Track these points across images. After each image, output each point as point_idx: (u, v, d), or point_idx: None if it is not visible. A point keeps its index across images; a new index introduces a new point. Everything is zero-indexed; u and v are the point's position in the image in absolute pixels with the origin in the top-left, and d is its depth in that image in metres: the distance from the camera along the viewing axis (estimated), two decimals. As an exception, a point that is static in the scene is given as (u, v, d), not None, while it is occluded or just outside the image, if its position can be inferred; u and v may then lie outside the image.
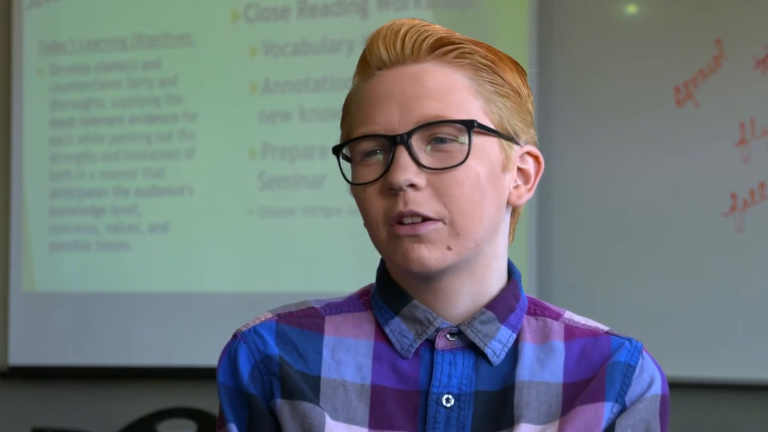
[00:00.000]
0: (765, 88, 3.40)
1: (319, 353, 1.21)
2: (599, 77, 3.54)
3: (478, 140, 1.16)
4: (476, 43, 1.20)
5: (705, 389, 3.42)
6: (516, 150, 1.20)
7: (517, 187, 1.21)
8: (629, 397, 1.20)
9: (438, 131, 1.15)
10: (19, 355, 3.99)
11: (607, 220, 3.53)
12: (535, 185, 1.23)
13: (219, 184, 3.86)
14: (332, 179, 3.71)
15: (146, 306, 3.89)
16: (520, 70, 1.22)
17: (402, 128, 1.15)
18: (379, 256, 1.23)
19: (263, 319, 1.24)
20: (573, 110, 3.54)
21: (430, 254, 1.15)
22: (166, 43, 3.92)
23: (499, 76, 1.19)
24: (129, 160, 3.95)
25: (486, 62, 1.18)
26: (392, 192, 1.15)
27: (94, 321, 3.93)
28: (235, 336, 1.24)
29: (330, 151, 1.23)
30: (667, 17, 3.53)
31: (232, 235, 3.83)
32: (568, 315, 1.26)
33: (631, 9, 3.60)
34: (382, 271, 1.25)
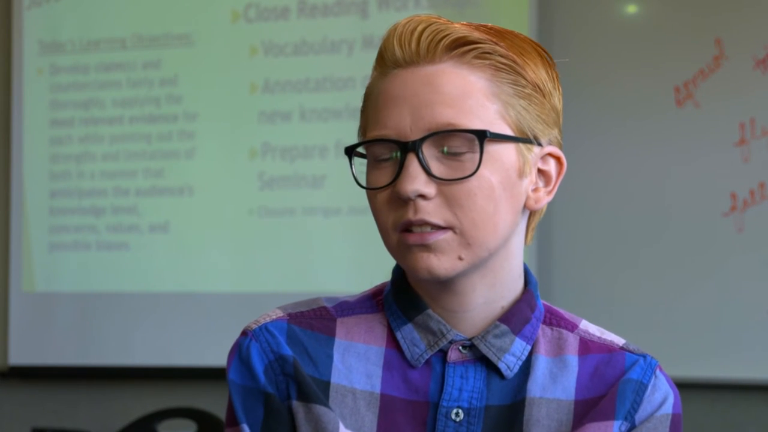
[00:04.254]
0: (765, 88, 3.40)
1: (330, 357, 1.19)
2: (599, 77, 3.54)
3: (492, 148, 1.12)
4: (498, 39, 1.15)
5: (705, 389, 3.41)
6: (536, 152, 1.16)
7: (536, 190, 1.17)
8: (639, 416, 1.18)
9: (449, 139, 1.12)
10: (19, 355, 3.99)
11: (607, 220, 3.52)
12: (557, 187, 1.19)
13: (219, 184, 3.86)
14: (332, 179, 3.71)
15: (146, 306, 3.88)
16: (546, 62, 1.18)
17: (413, 134, 1.12)
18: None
19: (274, 317, 1.21)
20: (572, 110, 3.52)
21: (439, 263, 1.12)
22: (166, 43, 3.92)
23: (521, 76, 1.14)
24: (129, 160, 3.95)
25: (506, 62, 1.14)
26: (402, 201, 1.12)
27: (94, 321, 3.93)
28: (245, 333, 1.20)
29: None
30: (667, 17, 3.53)
31: (232, 235, 3.83)
32: (584, 326, 1.23)
33: (631, 9, 3.60)
34: (398, 272, 1.22)
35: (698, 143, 3.45)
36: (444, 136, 1.12)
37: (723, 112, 3.43)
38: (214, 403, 3.59)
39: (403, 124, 1.13)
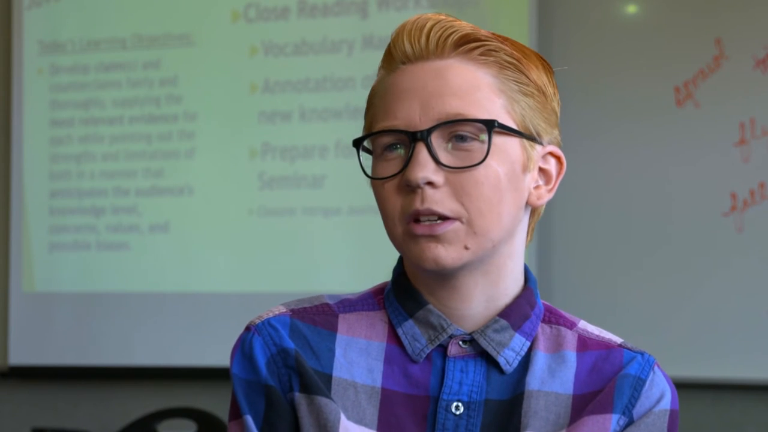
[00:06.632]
0: (765, 88, 3.40)
1: (332, 351, 1.21)
2: (599, 77, 3.54)
3: (499, 140, 1.15)
4: (502, 40, 1.19)
5: (705, 389, 3.42)
6: (538, 150, 1.19)
7: (537, 187, 1.20)
8: (637, 411, 1.19)
9: (458, 129, 1.14)
10: (19, 355, 3.99)
11: (607, 220, 3.53)
12: (557, 186, 1.22)
13: (219, 184, 3.86)
14: (332, 179, 3.71)
15: (146, 306, 3.89)
16: (547, 68, 1.21)
17: (422, 124, 1.15)
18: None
19: (277, 312, 1.23)
20: (572, 110, 3.54)
21: (446, 254, 1.14)
22: (166, 43, 3.93)
23: (524, 75, 1.17)
24: (129, 160, 3.95)
25: (511, 60, 1.17)
26: (410, 189, 1.14)
27: (94, 321, 3.93)
28: (248, 328, 1.23)
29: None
30: (667, 17, 3.53)
31: (232, 235, 3.83)
32: (582, 325, 1.25)
33: (631, 9, 3.60)
34: (399, 270, 1.24)
35: (698, 143, 3.45)
36: (453, 125, 1.14)
37: (723, 112, 3.43)
38: (214, 403, 3.59)
39: (412, 115, 1.15)
